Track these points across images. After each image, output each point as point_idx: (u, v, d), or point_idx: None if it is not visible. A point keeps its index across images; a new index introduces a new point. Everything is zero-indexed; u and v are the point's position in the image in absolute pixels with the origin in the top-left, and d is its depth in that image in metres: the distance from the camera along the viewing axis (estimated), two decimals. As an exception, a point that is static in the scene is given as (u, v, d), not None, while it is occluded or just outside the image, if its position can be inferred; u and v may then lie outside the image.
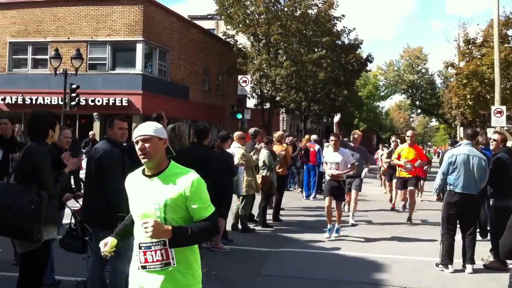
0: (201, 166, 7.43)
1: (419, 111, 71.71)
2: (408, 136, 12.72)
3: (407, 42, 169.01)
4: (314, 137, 19.57)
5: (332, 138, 10.49)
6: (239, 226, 10.75)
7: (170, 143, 7.91)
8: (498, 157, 8.28)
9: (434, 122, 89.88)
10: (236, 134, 11.08)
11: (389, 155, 15.54)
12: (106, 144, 5.73)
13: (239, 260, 8.44)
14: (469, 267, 7.79)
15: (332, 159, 10.30)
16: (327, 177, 10.56)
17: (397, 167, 13.11)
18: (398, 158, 12.61)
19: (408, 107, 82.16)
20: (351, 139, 12.70)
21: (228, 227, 10.18)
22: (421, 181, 16.23)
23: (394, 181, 14.68)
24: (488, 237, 9.08)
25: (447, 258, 7.87)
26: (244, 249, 9.18)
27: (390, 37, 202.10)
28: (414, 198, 12.64)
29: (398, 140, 17.14)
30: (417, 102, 65.73)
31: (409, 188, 12.37)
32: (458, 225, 8.06)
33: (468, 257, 7.81)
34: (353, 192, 12.12)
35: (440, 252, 8.00)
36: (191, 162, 7.37)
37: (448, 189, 7.92)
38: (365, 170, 12.88)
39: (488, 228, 9.32)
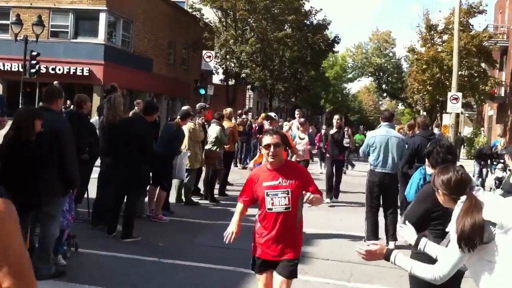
0: (138, 140, 7.71)
1: (384, 94, 72.64)
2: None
3: (379, 25, 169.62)
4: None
5: None
6: (183, 199, 11.03)
7: (106, 113, 8.20)
8: (412, 140, 8.75)
9: (400, 106, 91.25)
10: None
11: None
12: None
13: (176, 230, 8.74)
14: (391, 244, 8.25)
15: None
16: None
17: None
18: None
19: (375, 90, 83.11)
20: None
21: (172, 200, 10.46)
22: None
23: None
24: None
25: (371, 234, 8.32)
26: (183, 221, 9.47)
27: (368, 20, 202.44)
28: None
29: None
30: (384, 86, 66.60)
31: None
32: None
33: (391, 233, 8.27)
34: None
35: (365, 229, 8.45)
36: (128, 135, 7.71)
37: (369, 169, 8.35)
38: None
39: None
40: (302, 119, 14.02)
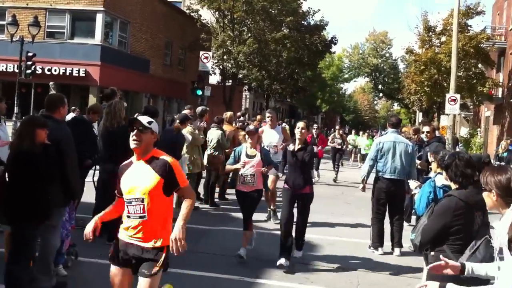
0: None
1: (381, 94, 72.71)
2: None
3: (376, 26, 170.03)
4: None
5: None
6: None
7: (104, 119, 8.02)
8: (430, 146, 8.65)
9: (396, 106, 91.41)
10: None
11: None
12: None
13: (177, 237, 8.56)
14: (397, 250, 8.14)
15: None
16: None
17: None
18: None
19: (371, 90, 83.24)
20: None
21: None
22: None
23: None
24: (412, 222, 9.46)
25: (377, 241, 8.20)
26: (184, 226, 9.29)
27: (365, 20, 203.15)
28: None
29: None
30: (380, 86, 66.63)
31: None
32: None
33: (396, 240, 8.15)
34: None
35: (370, 235, 8.32)
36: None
37: (376, 175, 8.22)
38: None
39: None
40: (251, 127, 8.43)
